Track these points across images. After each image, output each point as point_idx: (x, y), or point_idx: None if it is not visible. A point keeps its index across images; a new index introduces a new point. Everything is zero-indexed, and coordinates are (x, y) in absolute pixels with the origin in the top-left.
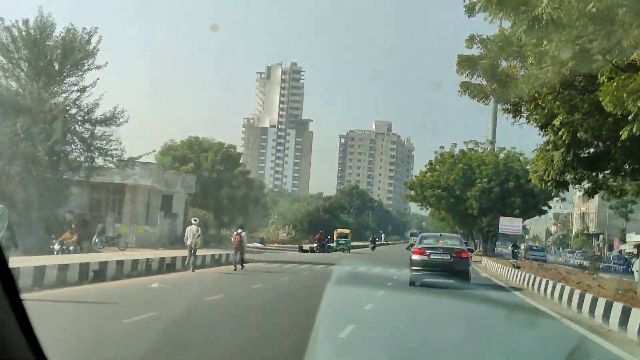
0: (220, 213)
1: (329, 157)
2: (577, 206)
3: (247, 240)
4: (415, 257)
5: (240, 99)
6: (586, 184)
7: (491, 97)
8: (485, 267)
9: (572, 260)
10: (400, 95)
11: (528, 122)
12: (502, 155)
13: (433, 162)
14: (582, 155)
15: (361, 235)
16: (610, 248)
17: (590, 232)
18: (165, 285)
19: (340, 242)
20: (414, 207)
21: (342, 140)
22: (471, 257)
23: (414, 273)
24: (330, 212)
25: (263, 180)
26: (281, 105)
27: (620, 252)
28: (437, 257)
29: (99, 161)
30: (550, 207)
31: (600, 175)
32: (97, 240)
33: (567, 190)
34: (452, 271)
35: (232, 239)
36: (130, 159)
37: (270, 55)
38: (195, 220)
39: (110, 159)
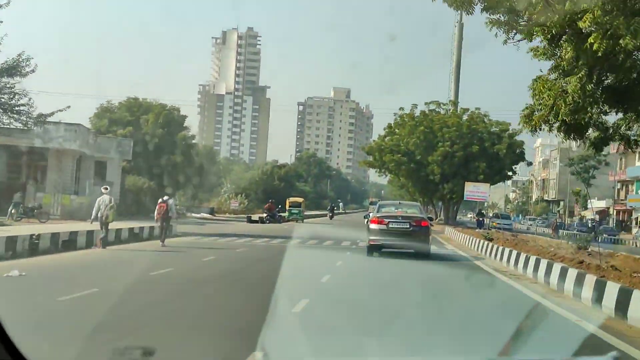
0: (162, 181)
1: (287, 124)
2: (538, 171)
3: (196, 210)
4: (373, 226)
5: (196, 65)
6: (593, 133)
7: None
8: (449, 237)
9: (533, 228)
10: (358, 54)
11: (528, 36)
12: (465, 117)
13: (392, 125)
14: (609, 83)
15: (319, 205)
16: (571, 215)
17: (550, 199)
18: (31, 272)
19: (292, 211)
20: (373, 175)
21: (301, 108)
22: (432, 225)
23: (372, 243)
24: (285, 181)
25: (219, 148)
26: (237, 72)
27: (581, 218)
28: (396, 226)
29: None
30: (515, 173)
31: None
32: (12, 211)
33: (581, 138)
34: (412, 240)
35: (157, 209)
36: (40, 115)
37: (226, 20)
38: (106, 189)
39: (17, 116)
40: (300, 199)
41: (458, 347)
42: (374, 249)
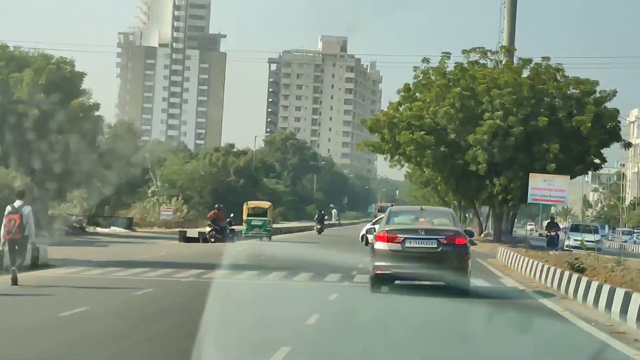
0: (46, 176)
1: (254, 92)
2: (633, 160)
3: (104, 223)
4: (380, 245)
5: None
6: None
7: None
8: (504, 264)
9: (628, 245)
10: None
11: None
12: (526, 73)
13: (411, 86)
14: None
15: (301, 212)
16: None
17: None
18: None
19: (253, 223)
20: (383, 167)
21: (273, 67)
22: (473, 243)
23: (379, 272)
24: (246, 176)
25: (148, 127)
26: (177, 13)
27: None
28: (417, 246)
29: None
30: (604, 160)
31: None
32: None
33: None
34: (441, 268)
35: (4, 222)
36: None
37: None
38: None
39: None
40: (265, 204)
41: None
42: (381, 282)
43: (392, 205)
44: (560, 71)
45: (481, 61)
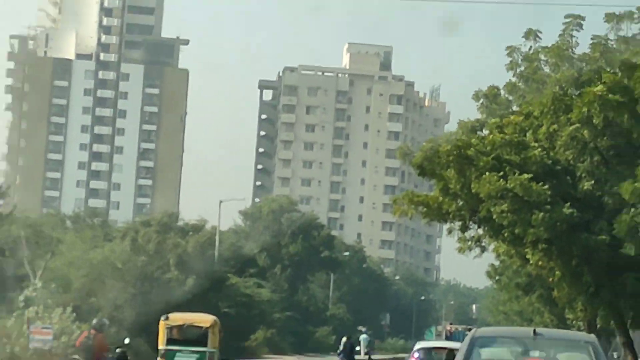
0: None
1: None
2: None
3: None
4: None
5: None
6: None
7: None
8: None
9: None
10: None
11: None
12: None
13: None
14: None
15: (303, 338)
16: None
17: None
18: None
19: (178, 357)
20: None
21: (268, 95)
22: None
23: None
24: (197, 267)
25: (55, 193)
26: (107, 4)
27: None
28: None
29: None
30: None
31: None
32: None
33: None
34: None
35: None
36: None
37: None
38: None
39: None
40: (205, 320)
41: None
42: None
43: (472, 329)
44: None
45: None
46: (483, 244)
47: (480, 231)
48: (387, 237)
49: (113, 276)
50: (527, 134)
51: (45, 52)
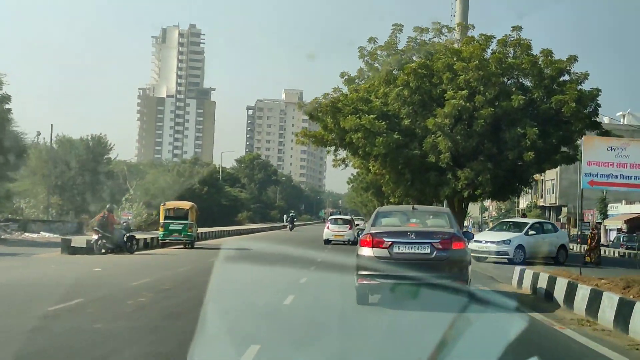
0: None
1: (236, 130)
2: None
3: (57, 228)
4: (364, 251)
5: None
6: None
7: None
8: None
9: None
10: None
11: None
12: (492, 49)
13: (356, 73)
14: None
15: (265, 215)
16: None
17: (549, 204)
18: None
19: (171, 227)
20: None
21: (250, 112)
22: (468, 250)
23: (364, 282)
24: (210, 184)
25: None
26: (179, 73)
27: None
28: (406, 251)
29: None
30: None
31: None
32: None
33: None
34: (436, 276)
35: None
36: None
37: (166, 18)
38: None
39: None
40: (186, 204)
41: None
42: (368, 293)
43: (335, 211)
44: (527, 48)
45: (435, 39)
46: (346, 162)
47: (345, 153)
48: (302, 172)
49: (167, 188)
50: (371, 95)
51: (153, 95)
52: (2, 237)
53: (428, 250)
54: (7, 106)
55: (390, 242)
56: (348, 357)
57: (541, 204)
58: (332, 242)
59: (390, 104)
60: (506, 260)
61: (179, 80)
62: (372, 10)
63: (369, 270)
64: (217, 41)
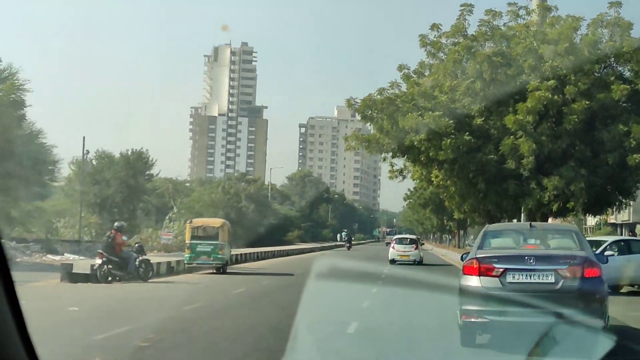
0: None
1: (288, 147)
2: None
3: (88, 249)
4: (469, 280)
5: (187, 86)
6: None
7: None
8: None
9: None
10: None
11: None
12: (581, 34)
13: (424, 61)
14: None
15: (316, 235)
16: None
17: (619, 222)
18: None
19: (199, 248)
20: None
21: (302, 130)
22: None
23: (473, 320)
24: (257, 202)
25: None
26: (231, 91)
27: None
28: (524, 281)
29: None
30: None
31: None
32: None
33: None
34: (564, 312)
35: None
36: None
37: (217, 37)
38: None
39: None
40: (216, 222)
41: None
42: (474, 333)
43: (391, 230)
44: (629, 28)
45: (511, 24)
46: (404, 174)
47: (403, 162)
48: (356, 190)
49: (212, 205)
50: (436, 91)
51: (205, 113)
52: (17, 259)
53: (552, 280)
54: (21, 112)
55: (502, 269)
56: None
57: (612, 221)
58: (397, 262)
59: (458, 100)
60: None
61: (230, 99)
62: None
63: (476, 305)
64: (269, 59)
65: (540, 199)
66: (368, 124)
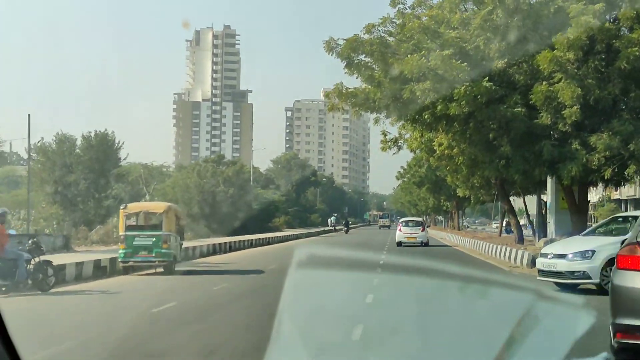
0: None
1: (275, 131)
2: None
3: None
4: (630, 281)
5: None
6: None
7: None
8: None
9: None
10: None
11: None
12: None
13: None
14: None
15: (304, 220)
16: None
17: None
18: None
19: (136, 242)
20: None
21: (288, 113)
22: None
23: (626, 339)
24: (236, 185)
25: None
26: (214, 75)
27: None
28: None
29: None
30: None
31: None
32: None
33: None
34: None
35: None
36: None
37: (200, 20)
38: None
39: None
40: (159, 206)
41: None
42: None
43: (384, 214)
44: None
45: None
46: (399, 144)
47: (398, 129)
48: (345, 174)
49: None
50: (441, 27)
51: (189, 99)
52: None
53: None
54: None
55: None
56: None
57: (616, 196)
58: (404, 244)
59: (472, 37)
60: (593, 287)
61: (214, 84)
62: None
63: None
64: (253, 42)
65: (588, 163)
66: (355, 75)
